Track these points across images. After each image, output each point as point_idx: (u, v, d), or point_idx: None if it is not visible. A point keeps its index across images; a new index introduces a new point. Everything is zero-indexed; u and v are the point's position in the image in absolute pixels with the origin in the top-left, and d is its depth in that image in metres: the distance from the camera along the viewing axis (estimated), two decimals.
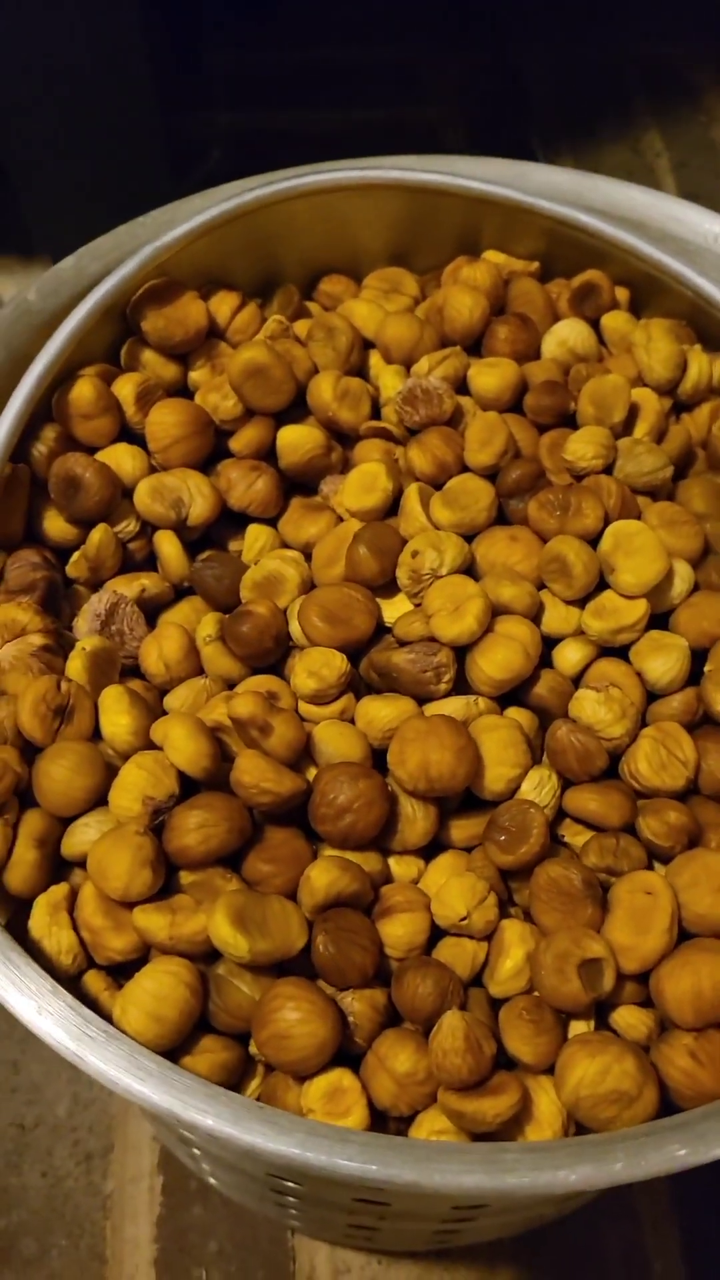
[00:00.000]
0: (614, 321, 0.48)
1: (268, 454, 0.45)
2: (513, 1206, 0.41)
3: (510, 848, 0.36)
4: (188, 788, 0.36)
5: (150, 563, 0.44)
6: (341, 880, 0.35)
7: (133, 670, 0.41)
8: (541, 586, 0.41)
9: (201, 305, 0.46)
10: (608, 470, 0.42)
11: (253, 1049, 0.34)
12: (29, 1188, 0.54)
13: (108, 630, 0.41)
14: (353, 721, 0.39)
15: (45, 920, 0.35)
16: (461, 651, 0.39)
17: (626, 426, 0.44)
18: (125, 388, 0.44)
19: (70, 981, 0.35)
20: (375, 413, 0.46)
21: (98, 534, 0.42)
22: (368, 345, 0.48)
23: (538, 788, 0.37)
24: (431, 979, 0.34)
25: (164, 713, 0.40)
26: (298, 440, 0.44)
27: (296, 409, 0.45)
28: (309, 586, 0.42)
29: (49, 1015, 0.31)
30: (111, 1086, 0.30)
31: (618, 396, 0.43)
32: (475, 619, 0.38)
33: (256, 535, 0.43)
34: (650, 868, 0.37)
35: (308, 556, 0.43)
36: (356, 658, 0.40)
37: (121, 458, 0.43)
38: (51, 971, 0.32)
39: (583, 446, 0.42)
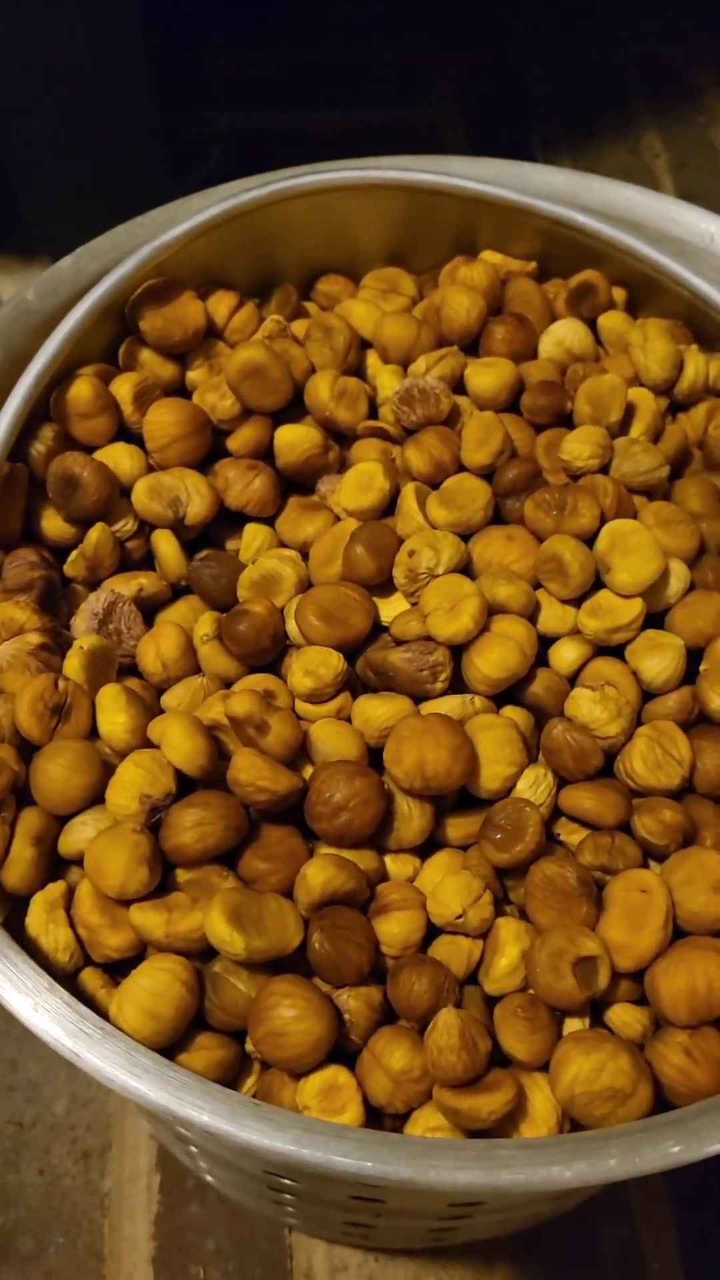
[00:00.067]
0: (611, 321, 0.49)
1: (265, 453, 0.45)
2: (508, 1204, 0.41)
3: (506, 846, 0.36)
4: (185, 786, 0.37)
5: (148, 562, 0.44)
6: (338, 878, 0.35)
7: (130, 669, 0.41)
8: (538, 586, 0.41)
9: (199, 305, 0.47)
10: (604, 470, 0.43)
11: (249, 1046, 0.35)
12: (27, 1186, 0.54)
13: (105, 629, 0.41)
14: (349, 720, 0.39)
15: (42, 918, 0.35)
16: (458, 650, 0.39)
17: (623, 426, 0.44)
18: (123, 387, 0.44)
19: (67, 979, 0.35)
20: (372, 412, 0.46)
21: (95, 533, 0.42)
22: (365, 345, 0.48)
23: (533, 786, 0.37)
24: (427, 977, 0.34)
25: (161, 711, 0.40)
26: (295, 440, 0.44)
27: (294, 409, 0.45)
28: (306, 585, 0.42)
29: (45, 1012, 0.31)
30: (107, 1083, 0.30)
31: (614, 396, 0.44)
32: (471, 618, 0.38)
33: (254, 534, 0.43)
34: (645, 866, 0.37)
35: (305, 556, 0.43)
36: (353, 656, 0.40)
37: (119, 457, 0.44)
38: (48, 969, 0.32)
39: (579, 446, 0.42)
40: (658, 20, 1.05)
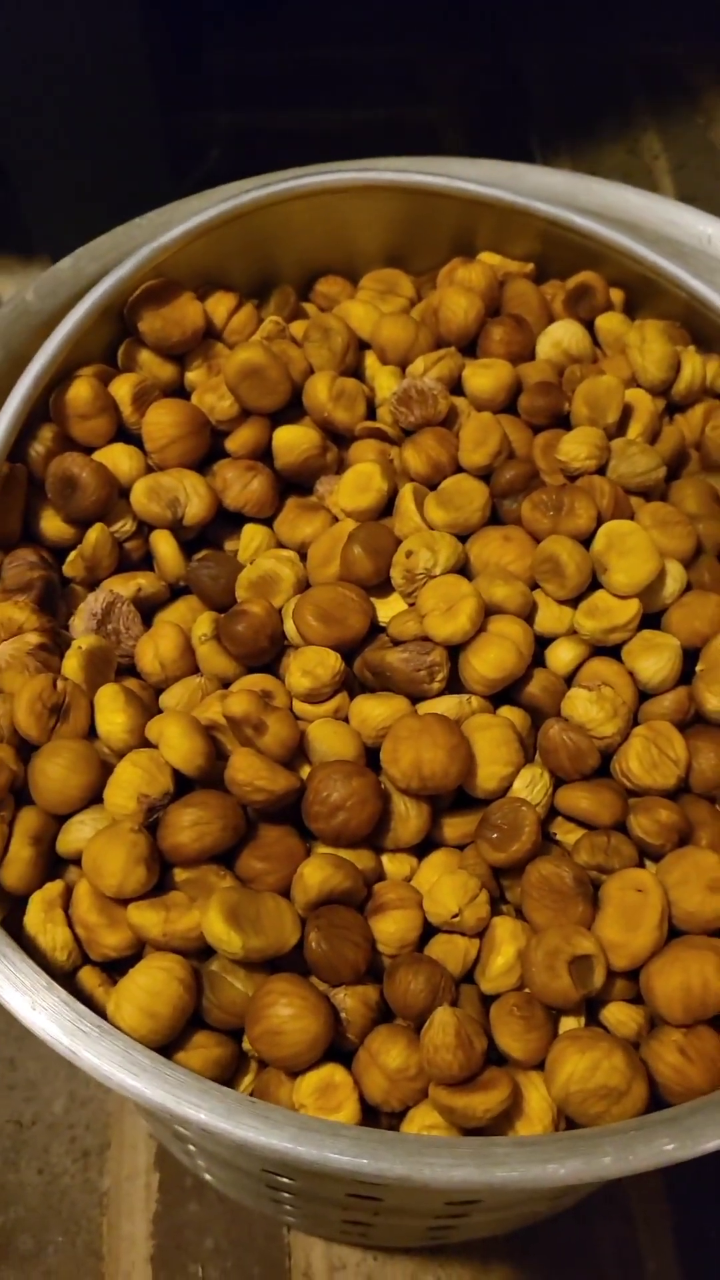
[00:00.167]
0: (608, 323, 0.49)
1: (264, 454, 0.45)
2: (505, 1202, 0.41)
3: (502, 845, 0.36)
4: (182, 786, 0.37)
5: (147, 562, 0.44)
6: (334, 877, 0.35)
7: (128, 669, 0.41)
8: (535, 586, 0.41)
9: (198, 306, 0.47)
10: (601, 471, 0.43)
11: (246, 1045, 0.35)
12: (26, 1184, 0.54)
13: (104, 629, 0.41)
14: (347, 720, 0.39)
15: (40, 917, 0.35)
16: (455, 651, 0.39)
17: (620, 427, 0.45)
18: (122, 388, 0.45)
19: (65, 978, 0.35)
20: (370, 413, 0.46)
21: (94, 533, 0.42)
22: (363, 346, 0.48)
23: (530, 786, 0.37)
24: (423, 975, 0.34)
25: (159, 711, 0.40)
26: (293, 440, 0.44)
27: (292, 409, 0.46)
28: (304, 586, 0.42)
29: (43, 1011, 0.31)
30: (105, 1081, 0.30)
31: (611, 397, 0.44)
32: (468, 618, 0.38)
33: (252, 535, 0.43)
34: (641, 865, 0.37)
35: (303, 556, 0.43)
36: (351, 657, 0.40)
37: (118, 458, 0.44)
38: (46, 968, 0.33)
39: (576, 447, 0.42)
40: (658, 20, 1.05)
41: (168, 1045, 0.33)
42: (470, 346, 0.48)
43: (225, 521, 0.45)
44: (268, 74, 1.02)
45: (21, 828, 0.36)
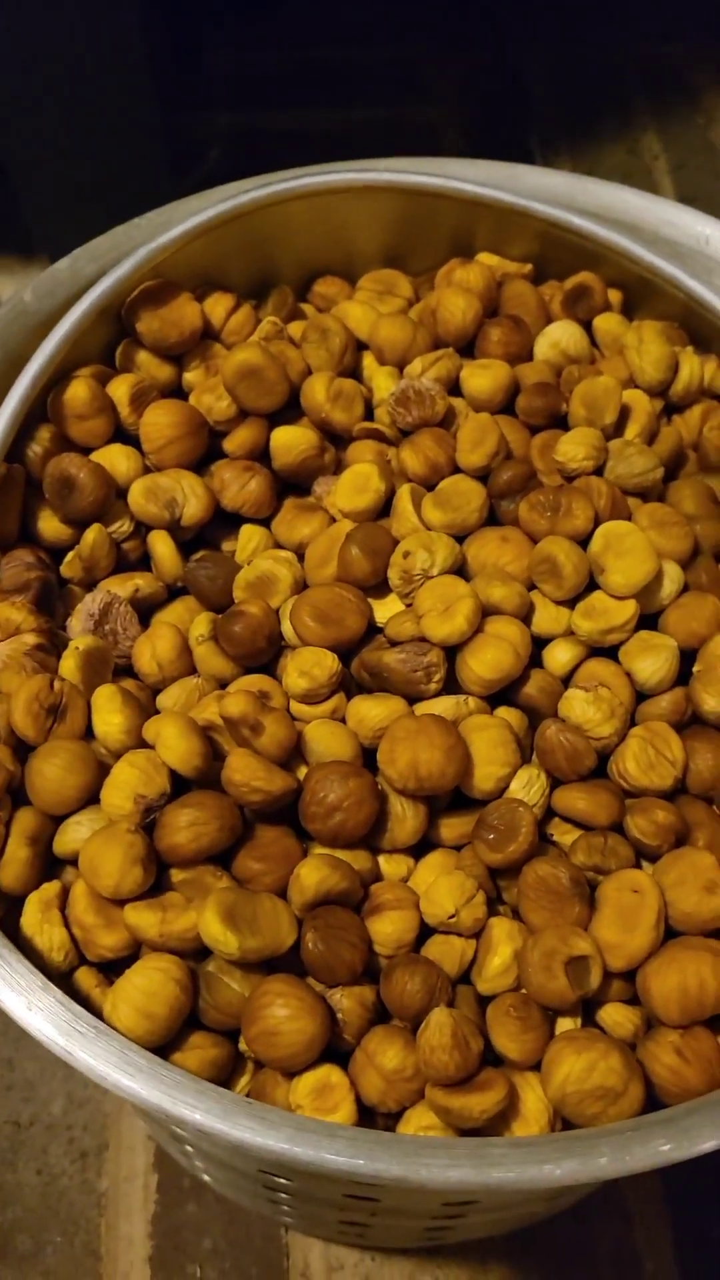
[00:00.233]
0: (606, 323, 0.49)
1: (261, 455, 0.45)
2: (502, 1202, 0.41)
3: (499, 846, 0.36)
4: (179, 786, 0.37)
5: (144, 563, 0.44)
6: (331, 878, 0.35)
7: (126, 669, 0.41)
8: (532, 587, 0.41)
9: (196, 307, 0.47)
10: (598, 471, 0.43)
11: (242, 1045, 0.35)
12: (24, 1185, 0.54)
13: (101, 630, 0.41)
14: (344, 721, 0.39)
15: (37, 917, 0.35)
16: (452, 651, 0.39)
17: (618, 428, 0.45)
18: (120, 389, 0.45)
19: (61, 978, 0.35)
20: (368, 414, 0.46)
21: (92, 534, 0.42)
22: (361, 347, 0.48)
23: (526, 787, 0.37)
24: (420, 976, 0.34)
25: (157, 712, 0.40)
26: (291, 441, 0.44)
27: (290, 410, 0.46)
28: (302, 587, 0.42)
29: (39, 1011, 0.31)
30: (101, 1082, 0.30)
31: (609, 398, 0.44)
32: (465, 619, 0.38)
33: (250, 535, 0.43)
34: (638, 866, 0.37)
35: (301, 557, 0.43)
36: (348, 657, 0.40)
37: (116, 458, 0.44)
38: (43, 968, 0.33)
39: (574, 448, 0.42)
40: (658, 20, 1.05)
41: (164, 1046, 0.33)
42: (468, 347, 0.48)
43: (223, 522, 0.45)
44: (268, 74, 1.02)
45: (18, 828, 0.36)
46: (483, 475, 0.43)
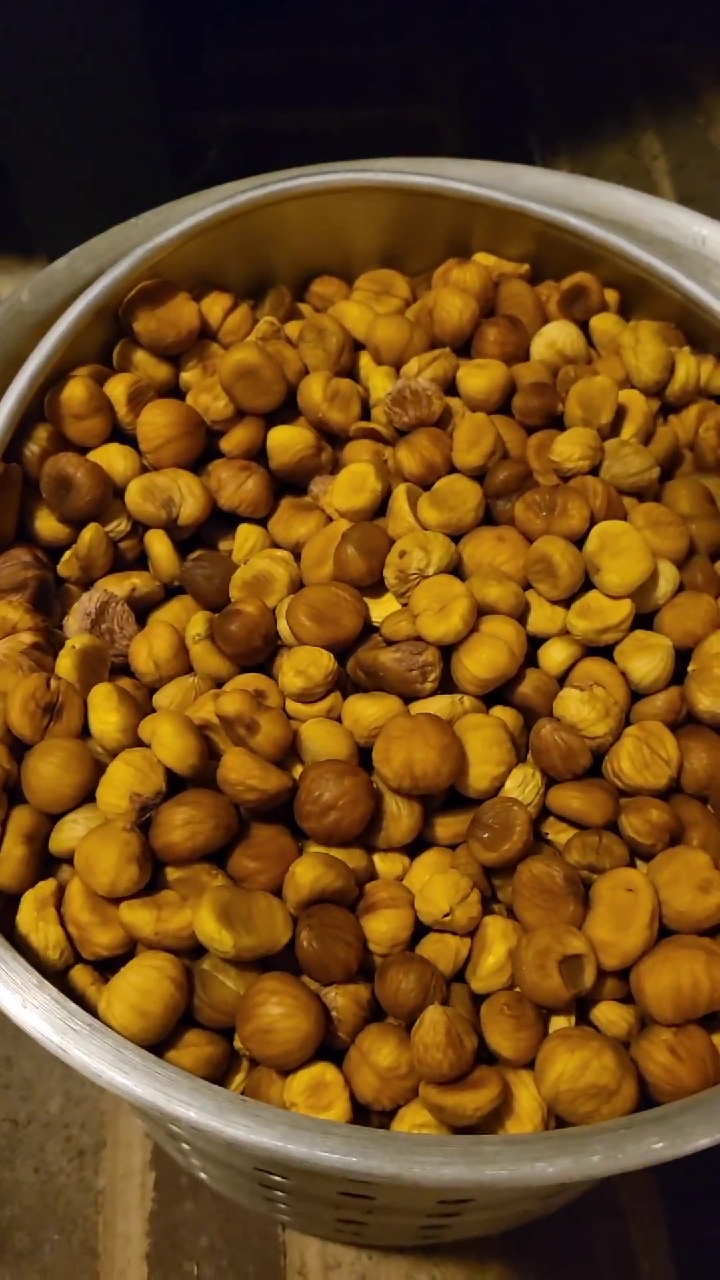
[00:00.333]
0: (603, 324, 0.49)
1: (258, 454, 0.45)
2: (496, 1200, 0.41)
3: (493, 845, 0.36)
4: (175, 785, 0.37)
5: (141, 562, 0.45)
6: (326, 877, 0.35)
7: (122, 668, 0.42)
8: (527, 586, 0.41)
9: (193, 306, 0.47)
10: (594, 471, 0.43)
11: (237, 1043, 0.35)
12: (21, 1183, 0.54)
13: (98, 629, 0.41)
14: (339, 720, 0.39)
15: (32, 915, 0.35)
16: (447, 651, 0.39)
17: (614, 428, 0.45)
18: (117, 388, 0.45)
19: (57, 976, 0.35)
20: (365, 414, 0.47)
21: (89, 533, 0.42)
22: (358, 347, 0.48)
23: (521, 786, 0.37)
24: (414, 974, 0.34)
25: (153, 710, 0.40)
26: (288, 441, 0.44)
27: (287, 410, 0.46)
28: (298, 586, 0.42)
29: (34, 1009, 0.31)
30: (95, 1079, 0.30)
31: (605, 398, 0.44)
32: (461, 618, 0.38)
33: (246, 535, 0.44)
34: (632, 865, 0.37)
35: (297, 556, 0.43)
36: (344, 657, 0.40)
37: (113, 458, 0.44)
38: (38, 966, 0.33)
39: (570, 448, 0.42)
40: (658, 20, 1.05)
41: (159, 1044, 0.33)
42: (465, 347, 0.48)
43: (220, 521, 0.45)
44: (268, 74, 1.02)
45: (14, 826, 0.36)
46: (479, 475, 0.43)
